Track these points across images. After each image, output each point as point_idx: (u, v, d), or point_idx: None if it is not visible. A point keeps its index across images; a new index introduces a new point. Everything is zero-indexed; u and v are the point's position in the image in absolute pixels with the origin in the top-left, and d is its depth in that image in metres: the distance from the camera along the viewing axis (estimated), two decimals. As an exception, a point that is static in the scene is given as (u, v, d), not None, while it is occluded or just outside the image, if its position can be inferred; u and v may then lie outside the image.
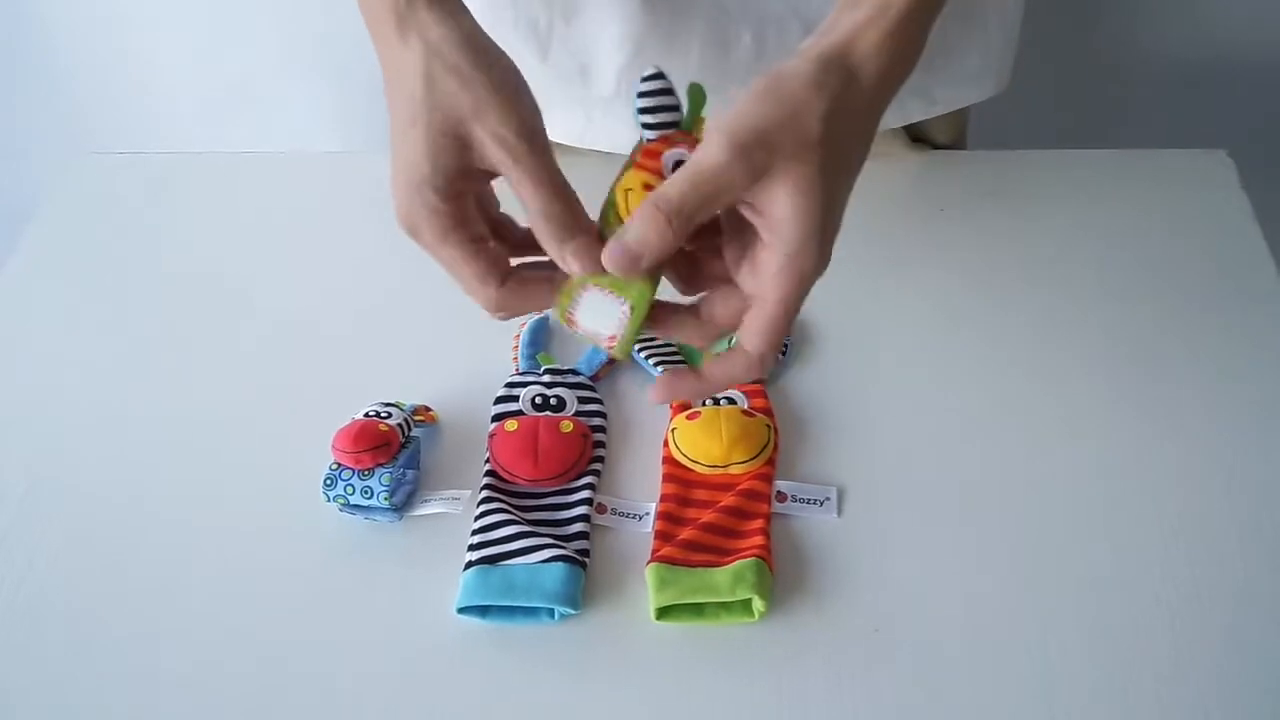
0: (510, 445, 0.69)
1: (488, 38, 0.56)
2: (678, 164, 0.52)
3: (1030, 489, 0.69)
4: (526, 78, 0.80)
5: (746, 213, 0.52)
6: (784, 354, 0.75)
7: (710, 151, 0.50)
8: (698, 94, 0.54)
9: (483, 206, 0.57)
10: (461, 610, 0.63)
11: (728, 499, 0.67)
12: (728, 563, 0.64)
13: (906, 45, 0.54)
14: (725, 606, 0.63)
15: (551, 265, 0.54)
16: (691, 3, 0.75)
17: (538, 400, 0.72)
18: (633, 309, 0.53)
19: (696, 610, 0.63)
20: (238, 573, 0.67)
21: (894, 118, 0.83)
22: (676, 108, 0.54)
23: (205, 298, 0.83)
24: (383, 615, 0.64)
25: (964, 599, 0.64)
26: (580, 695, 0.61)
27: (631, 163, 0.54)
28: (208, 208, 0.90)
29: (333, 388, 0.75)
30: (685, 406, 0.71)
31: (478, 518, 0.67)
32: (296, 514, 0.69)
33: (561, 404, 0.72)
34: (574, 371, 0.74)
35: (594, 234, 0.53)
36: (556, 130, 0.83)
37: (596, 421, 0.72)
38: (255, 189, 0.92)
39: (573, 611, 0.63)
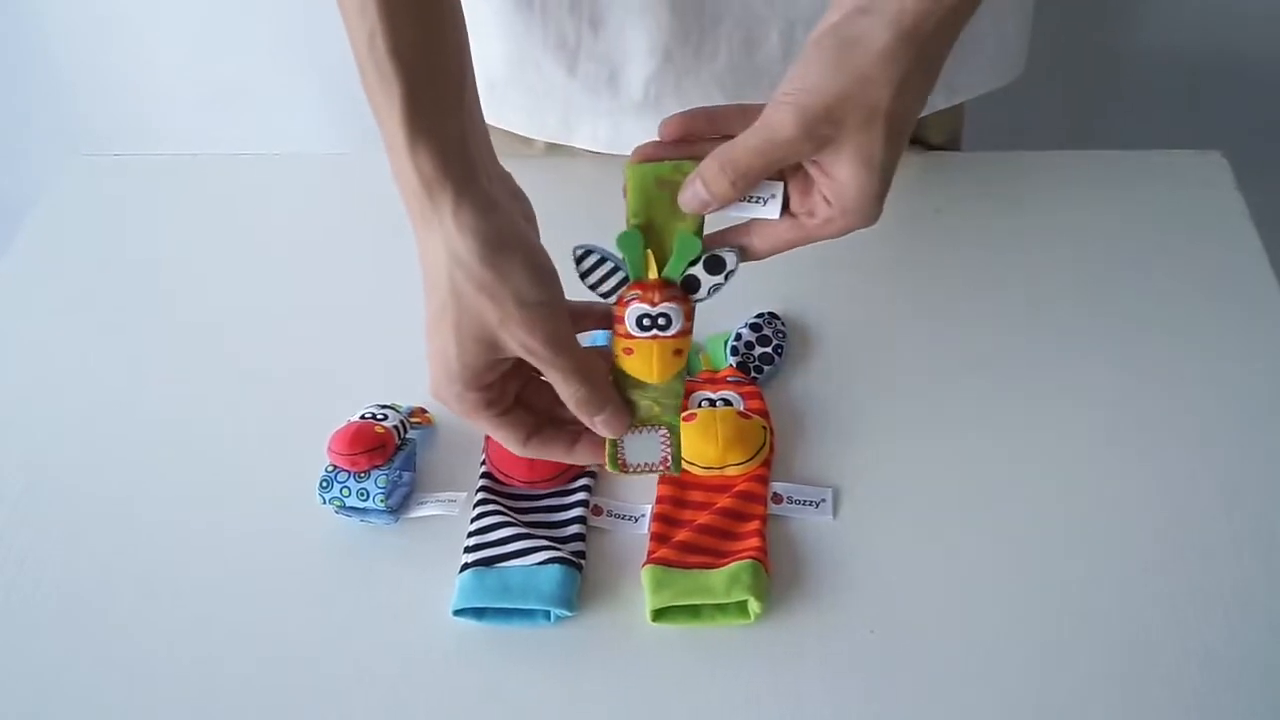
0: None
1: (513, 236, 0.56)
2: (640, 318, 0.57)
3: (1026, 489, 0.69)
4: (555, 92, 0.81)
5: (809, 166, 0.55)
6: (779, 355, 0.76)
7: (780, 123, 0.52)
8: (630, 242, 0.57)
9: (519, 370, 0.58)
10: (457, 612, 0.63)
11: (723, 501, 0.67)
12: (724, 564, 0.64)
13: (969, 12, 0.54)
14: (721, 608, 0.63)
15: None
16: (720, 6, 0.75)
17: (534, 402, 0.72)
18: (671, 429, 0.60)
19: (692, 612, 0.63)
20: (234, 574, 0.67)
21: None
22: (616, 269, 0.57)
23: (201, 299, 0.83)
24: (379, 617, 0.64)
25: (959, 600, 0.64)
26: (576, 697, 0.61)
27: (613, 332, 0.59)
28: (203, 209, 0.90)
29: (328, 389, 0.75)
30: (681, 408, 0.71)
31: (474, 520, 0.67)
32: (292, 516, 0.69)
33: (557, 405, 0.72)
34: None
35: (620, 404, 0.58)
36: (585, 139, 0.84)
37: (592, 423, 0.72)
38: (251, 190, 0.92)
39: (568, 613, 0.63)
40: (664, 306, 0.57)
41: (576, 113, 0.82)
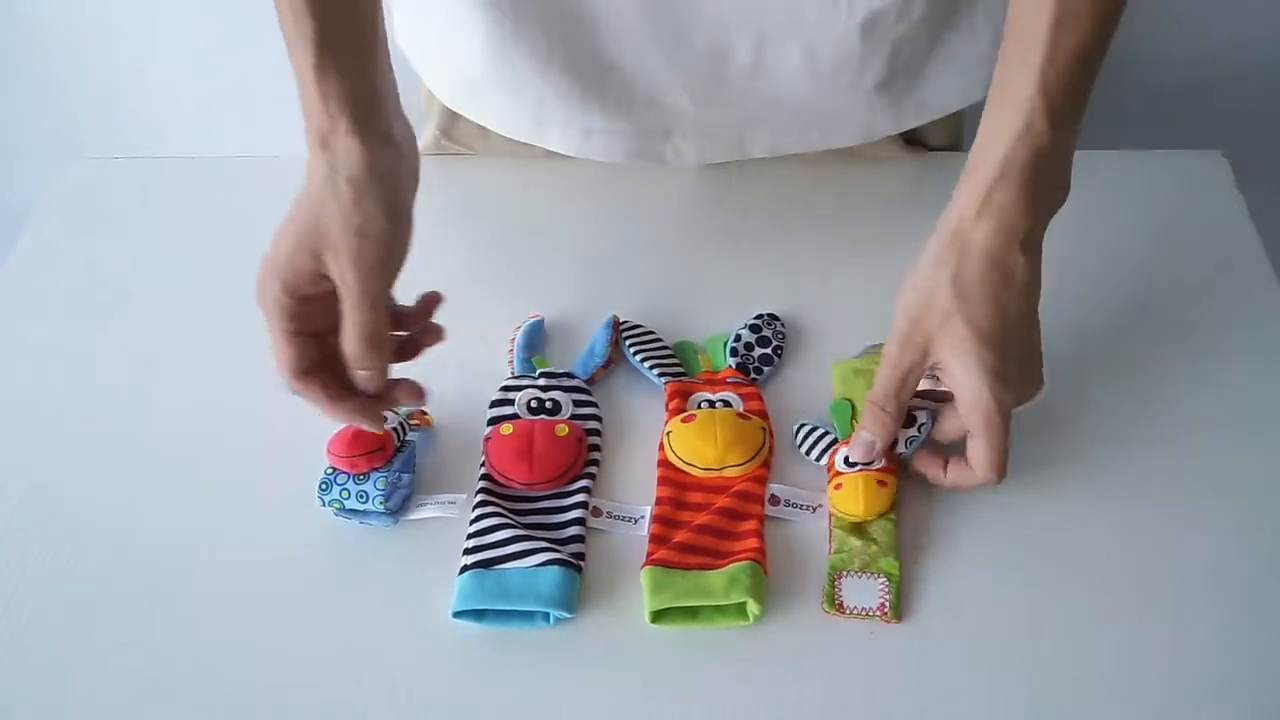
0: (505, 449, 0.69)
1: (392, 176, 0.63)
2: (846, 458, 0.68)
3: (1021, 489, 0.69)
4: (527, 95, 0.81)
5: (944, 379, 0.64)
6: (779, 356, 0.76)
7: (888, 350, 0.64)
8: (840, 410, 0.71)
9: (330, 328, 0.63)
10: (457, 614, 0.63)
11: (722, 501, 0.67)
12: (722, 565, 0.64)
13: (1002, 204, 0.62)
14: (720, 609, 0.63)
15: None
16: (690, 17, 0.75)
17: (533, 403, 0.72)
18: (889, 578, 0.64)
19: (691, 613, 0.63)
20: (232, 577, 0.67)
21: (889, 125, 0.83)
22: (826, 433, 0.70)
23: (200, 302, 0.83)
24: (378, 620, 0.64)
25: (958, 600, 0.64)
26: (576, 699, 0.61)
27: None
28: (202, 212, 0.90)
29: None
30: (681, 409, 0.71)
31: (473, 521, 0.67)
32: (291, 519, 0.69)
33: (557, 407, 0.72)
34: (569, 374, 0.74)
35: (382, 374, 0.64)
36: (555, 142, 0.84)
37: (592, 425, 0.72)
38: (251, 193, 0.91)
39: (568, 615, 0.63)
40: None
41: (549, 116, 0.83)
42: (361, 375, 0.63)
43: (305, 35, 0.62)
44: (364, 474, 0.67)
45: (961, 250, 0.62)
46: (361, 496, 0.67)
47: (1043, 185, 0.63)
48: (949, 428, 0.67)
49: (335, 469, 0.68)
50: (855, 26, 0.75)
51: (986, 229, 0.62)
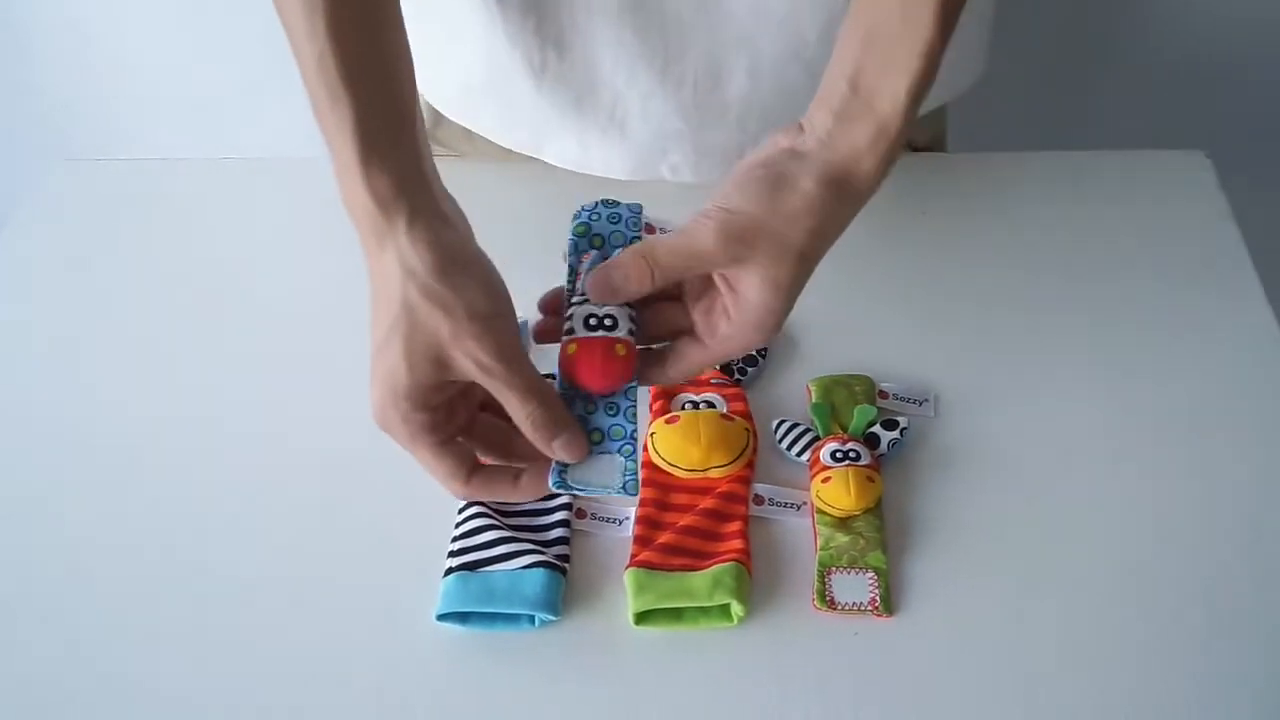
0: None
1: (466, 252, 0.58)
2: (834, 452, 0.68)
3: (1007, 488, 0.69)
4: (523, 107, 0.80)
5: (717, 276, 0.57)
6: (762, 357, 0.76)
7: (701, 235, 0.55)
8: (820, 410, 0.71)
9: (466, 400, 0.59)
10: (441, 617, 0.63)
11: (706, 502, 0.67)
12: (706, 566, 0.64)
13: (893, 157, 0.57)
14: (704, 611, 0.63)
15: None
16: (685, 36, 0.75)
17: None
18: (878, 572, 0.64)
19: (675, 615, 0.63)
20: (216, 579, 0.66)
21: None
22: (807, 430, 0.71)
23: (183, 303, 0.82)
24: (362, 622, 0.64)
25: (943, 601, 0.64)
26: (560, 701, 0.61)
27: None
28: (185, 213, 0.90)
29: (314, 391, 0.75)
30: (664, 410, 0.71)
31: (459, 523, 0.67)
32: (275, 520, 0.69)
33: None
34: (553, 376, 0.74)
35: (579, 428, 0.57)
36: (552, 156, 0.84)
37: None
38: (233, 194, 0.92)
39: (553, 618, 0.63)
40: (852, 445, 0.68)
41: (545, 129, 0.82)
42: (560, 445, 0.56)
43: (345, 122, 0.56)
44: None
45: (841, 200, 0.56)
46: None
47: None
48: (676, 374, 0.59)
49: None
50: None
51: (871, 184, 0.57)
